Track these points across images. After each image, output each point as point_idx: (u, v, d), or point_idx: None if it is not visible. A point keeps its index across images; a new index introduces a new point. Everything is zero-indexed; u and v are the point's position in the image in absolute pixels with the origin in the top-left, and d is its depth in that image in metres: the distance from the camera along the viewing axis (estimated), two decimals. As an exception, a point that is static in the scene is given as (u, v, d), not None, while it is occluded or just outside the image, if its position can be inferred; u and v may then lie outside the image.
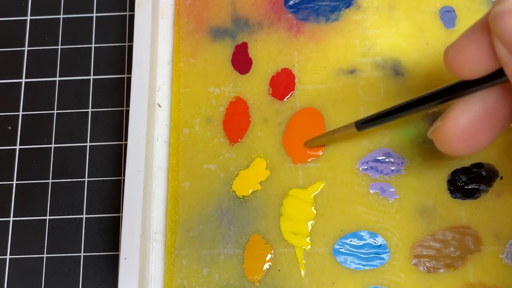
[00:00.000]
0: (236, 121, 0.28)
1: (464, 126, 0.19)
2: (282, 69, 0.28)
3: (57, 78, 0.31)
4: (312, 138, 0.27)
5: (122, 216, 0.25)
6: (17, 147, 0.30)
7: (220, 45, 0.29)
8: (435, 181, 0.26)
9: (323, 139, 0.27)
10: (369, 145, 0.27)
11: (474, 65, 0.18)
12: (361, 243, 0.25)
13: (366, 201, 0.26)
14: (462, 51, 0.18)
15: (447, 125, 0.20)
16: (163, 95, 0.29)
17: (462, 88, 0.19)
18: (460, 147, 0.20)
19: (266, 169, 0.27)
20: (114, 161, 0.29)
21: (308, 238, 0.26)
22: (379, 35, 0.28)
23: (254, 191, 0.27)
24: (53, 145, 0.29)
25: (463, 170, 0.26)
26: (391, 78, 0.28)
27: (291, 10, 0.29)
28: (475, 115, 0.19)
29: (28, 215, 0.29)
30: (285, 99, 0.28)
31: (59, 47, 0.31)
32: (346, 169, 0.26)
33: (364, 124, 0.24)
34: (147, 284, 0.25)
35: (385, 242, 0.25)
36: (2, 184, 0.29)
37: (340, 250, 0.25)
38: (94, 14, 0.32)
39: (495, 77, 0.18)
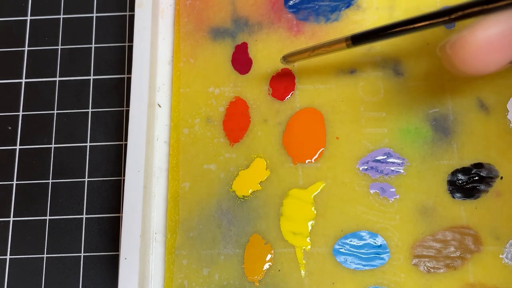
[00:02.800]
0: (236, 121, 0.28)
1: (482, 42, 0.19)
2: (282, 69, 0.28)
3: (57, 78, 0.31)
4: (293, 51, 0.25)
5: (122, 216, 0.25)
6: (17, 147, 0.30)
7: (220, 45, 0.29)
8: (435, 181, 0.26)
9: (306, 53, 0.25)
10: (369, 145, 0.27)
11: None
12: (361, 243, 0.25)
13: (366, 201, 0.26)
14: None
15: (465, 38, 0.19)
16: (163, 95, 0.29)
17: (489, 2, 0.19)
18: (471, 64, 0.20)
19: (266, 169, 0.27)
20: (114, 161, 0.29)
21: (308, 238, 0.26)
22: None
23: (254, 191, 0.27)
24: (53, 145, 0.29)
25: (463, 170, 0.26)
26: (391, 78, 0.28)
27: (291, 10, 0.29)
28: (496, 32, 0.19)
29: (28, 215, 0.29)
30: (285, 99, 0.28)
31: (59, 47, 0.31)
32: (346, 169, 0.26)
33: (361, 39, 0.22)
34: (147, 284, 0.25)
35: (385, 242, 0.25)
36: (2, 184, 0.29)
37: (340, 250, 0.25)
38: (94, 14, 0.32)
39: None
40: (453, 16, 0.20)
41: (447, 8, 0.20)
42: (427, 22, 0.21)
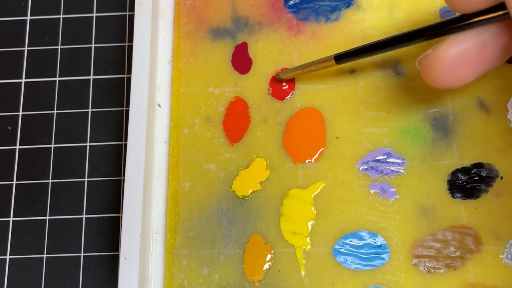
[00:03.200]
0: (236, 121, 0.28)
1: (454, 57, 0.20)
2: (282, 69, 0.28)
3: (57, 78, 0.31)
4: (287, 69, 0.27)
5: (122, 216, 0.25)
6: (17, 147, 0.30)
7: (220, 45, 0.29)
8: (435, 181, 0.26)
9: (299, 71, 0.27)
10: (369, 145, 0.27)
11: None
12: (361, 243, 0.25)
13: (366, 201, 0.26)
14: None
15: (438, 53, 0.21)
16: (163, 95, 0.29)
17: (459, 21, 0.20)
18: (446, 77, 0.21)
19: (266, 169, 0.27)
20: (114, 161, 0.29)
21: (308, 238, 0.26)
22: (379, 35, 0.28)
23: (254, 191, 0.27)
24: (53, 145, 0.29)
25: (463, 170, 0.26)
26: (391, 78, 0.28)
27: (291, 10, 0.29)
28: (467, 47, 0.20)
29: (28, 215, 0.29)
30: (285, 99, 0.28)
31: (59, 47, 0.31)
32: (346, 169, 0.26)
33: (343, 57, 0.25)
34: (147, 284, 0.25)
35: (385, 242, 0.25)
36: (2, 184, 0.29)
37: (340, 250, 0.25)
38: (94, 14, 0.32)
39: (493, 11, 0.19)
40: (427, 35, 0.21)
41: (421, 28, 0.22)
42: (404, 42, 0.22)
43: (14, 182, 0.29)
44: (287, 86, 0.28)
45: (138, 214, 0.25)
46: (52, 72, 0.31)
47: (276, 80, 0.28)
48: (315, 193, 0.26)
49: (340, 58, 0.25)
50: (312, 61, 0.26)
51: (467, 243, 0.25)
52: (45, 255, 0.28)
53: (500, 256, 0.25)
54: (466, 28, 0.20)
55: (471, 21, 0.20)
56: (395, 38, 0.23)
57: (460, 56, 0.20)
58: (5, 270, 0.28)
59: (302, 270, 0.25)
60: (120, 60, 0.31)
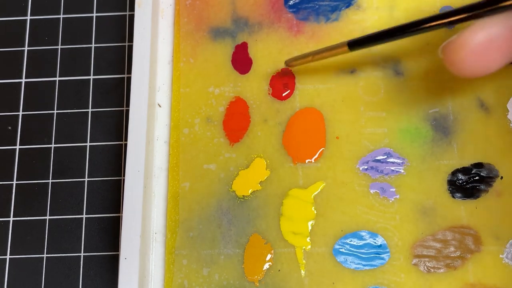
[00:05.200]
0: (236, 121, 0.28)
1: (481, 42, 0.19)
2: (282, 69, 0.28)
3: (57, 78, 0.31)
4: (296, 56, 0.26)
5: (122, 216, 0.25)
6: (17, 147, 0.30)
7: (220, 45, 0.29)
8: (435, 181, 0.26)
9: (308, 58, 0.26)
10: (369, 145, 0.27)
11: None
12: (361, 243, 0.25)
13: (366, 201, 0.26)
14: None
15: (464, 39, 0.19)
16: (163, 95, 0.29)
17: (487, 5, 0.19)
18: (471, 65, 0.20)
19: (266, 169, 0.27)
20: (114, 161, 0.29)
21: (308, 238, 0.26)
22: (379, 35, 0.28)
23: (254, 191, 0.27)
24: (53, 145, 0.29)
25: (463, 170, 0.26)
26: (391, 78, 0.28)
27: (291, 10, 0.29)
28: (495, 33, 0.19)
29: (28, 215, 0.29)
30: (285, 99, 0.28)
31: (59, 47, 0.31)
32: (346, 169, 0.26)
33: (357, 44, 0.24)
34: (147, 284, 0.25)
35: (385, 242, 0.25)
36: (2, 184, 0.29)
37: (340, 250, 0.25)
38: (94, 14, 0.32)
39: None
40: (451, 19, 0.20)
41: (445, 12, 0.20)
42: (426, 25, 0.21)
43: (14, 182, 0.29)
44: (288, 91, 0.28)
45: (138, 214, 0.25)
46: (52, 72, 0.31)
47: (276, 80, 0.28)
48: (315, 193, 0.26)
49: (354, 44, 0.24)
50: (324, 48, 0.25)
51: (467, 243, 0.25)
52: (45, 255, 0.28)
53: (500, 256, 0.25)
54: (494, 13, 0.19)
55: (501, 5, 0.19)
56: (414, 23, 0.22)
57: (487, 42, 0.19)
58: (5, 270, 0.28)
59: (302, 270, 0.25)
60: (120, 60, 0.31)
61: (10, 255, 0.28)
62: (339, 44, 0.25)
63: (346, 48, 0.24)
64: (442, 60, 0.21)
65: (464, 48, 0.20)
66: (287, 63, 0.27)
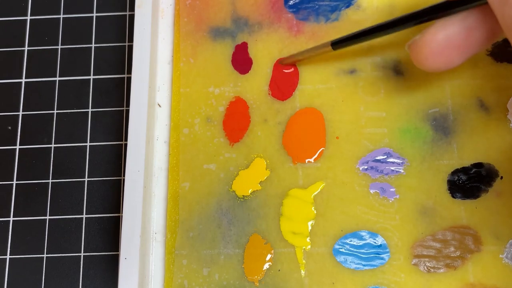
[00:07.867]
0: (236, 121, 0.28)
1: (441, 41, 0.21)
2: (282, 69, 0.28)
3: (57, 78, 0.31)
4: (287, 56, 0.28)
5: (122, 216, 0.25)
6: (17, 147, 0.30)
7: (220, 45, 0.29)
8: (435, 181, 0.26)
9: (298, 57, 0.27)
10: (369, 145, 0.27)
11: None
12: (361, 243, 0.25)
13: (366, 201, 0.26)
14: None
15: (426, 38, 0.21)
16: (163, 95, 0.29)
17: (444, 8, 0.21)
18: (433, 61, 0.22)
19: (266, 169, 0.27)
20: (114, 161, 0.29)
21: (308, 238, 0.26)
22: (379, 35, 0.28)
23: (254, 191, 0.27)
24: (53, 145, 0.30)
25: (463, 170, 0.26)
26: (391, 78, 0.28)
27: (291, 10, 0.29)
28: (453, 32, 0.21)
29: (28, 215, 0.29)
30: (285, 99, 0.28)
31: (59, 47, 0.31)
32: (346, 169, 0.26)
33: (339, 43, 0.26)
34: (147, 284, 0.25)
35: (385, 242, 0.25)
36: (2, 184, 0.29)
37: (340, 250, 0.25)
38: (94, 14, 0.32)
39: None
40: (419, 20, 0.23)
41: (412, 13, 0.23)
42: (394, 28, 0.24)
43: (14, 182, 0.29)
44: (292, 69, 0.28)
45: (138, 214, 0.25)
46: (52, 72, 0.31)
47: (277, 79, 0.28)
48: (315, 193, 0.26)
49: (336, 43, 0.26)
50: (309, 48, 0.27)
51: (467, 243, 0.25)
52: (45, 255, 0.28)
53: (500, 256, 0.25)
54: (451, 13, 0.21)
55: (456, 9, 0.21)
56: (388, 23, 0.24)
57: (446, 41, 0.21)
58: (5, 270, 0.28)
59: (302, 270, 0.25)
60: (120, 60, 0.31)
61: (10, 255, 0.28)
62: (323, 44, 0.26)
63: (329, 48, 0.26)
64: (410, 55, 0.23)
65: (426, 47, 0.21)
66: (280, 62, 0.28)
